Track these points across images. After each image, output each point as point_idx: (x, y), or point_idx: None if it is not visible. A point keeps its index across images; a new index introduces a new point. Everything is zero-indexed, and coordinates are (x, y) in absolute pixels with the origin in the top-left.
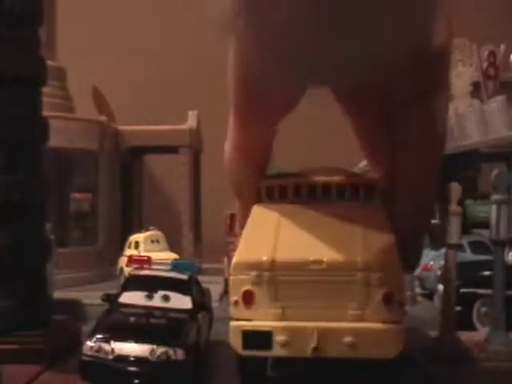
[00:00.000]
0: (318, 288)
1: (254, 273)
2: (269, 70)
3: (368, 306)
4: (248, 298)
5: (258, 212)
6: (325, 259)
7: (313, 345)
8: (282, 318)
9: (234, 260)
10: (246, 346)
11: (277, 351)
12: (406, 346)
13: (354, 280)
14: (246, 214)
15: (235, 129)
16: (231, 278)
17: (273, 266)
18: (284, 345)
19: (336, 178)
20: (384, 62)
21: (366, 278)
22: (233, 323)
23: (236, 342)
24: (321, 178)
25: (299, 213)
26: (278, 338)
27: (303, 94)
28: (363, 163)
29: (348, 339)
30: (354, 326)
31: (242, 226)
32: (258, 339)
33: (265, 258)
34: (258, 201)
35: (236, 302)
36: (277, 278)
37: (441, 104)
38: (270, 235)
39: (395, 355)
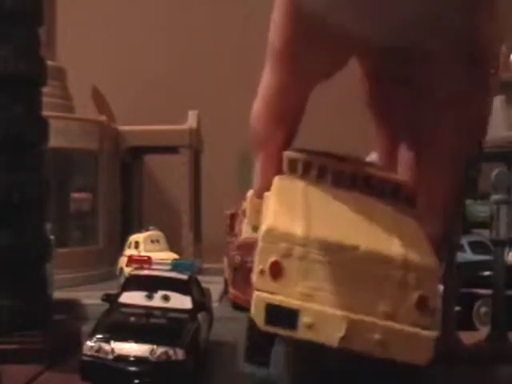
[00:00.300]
0: (351, 276)
1: (285, 244)
2: (333, 8)
3: (401, 306)
4: (276, 270)
5: (283, 183)
6: (362, 246)
7: (340, 334)
8: (311, 298)
9: (265, 226)
10: (268, 321)
11: (302, 333)
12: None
13: (390, 276)
14: (267, 168)
15: (269, 78)
16: (259, 244)
17: (306, 241)
18: (310, 327)
19: (364, 168)
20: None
21: (403, 277)
22: (257, 294)
23: (258, 315)
24: (348, 165)
25: (328, 194)
26: (306, 319)
27: (348, 58)
28: (370, 157)
29: (377, 336)
30: (385, 324)
31: (263, 183)
32: (283, 316)
33: (299, 231)
34: (280, 172)
35: (262, 272)
36: (309, 255)
37: (481, 109)
38: (300, 209)
39: (424, 362)
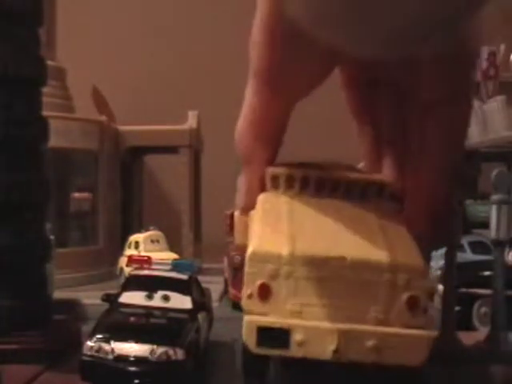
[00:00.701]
0: (340, 287)
1: (271, 266)
2: (310, 21)
3: (392, 309)
4: (264, 292)
5: (267, 201)
6: (348, 256)
7: (333, 347)
8: (301, 315)
9: (250, 250)
10: (260, 343)
11: (294, 351)
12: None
13: (378, 281)
14: (253, 185)
15: (252, 97)
16: (246, 269)
17: (292, 259)
18: (302, 344)
19: (345, 174)
20: (418, 36)
21: (391, 280)
22: (247, 317)
23: (250, 338)
24: (329, 173)
25: (311, 206)
26: (297, 336)
27: (331, 70)
28: (362, 164)
29: (370, 342)
30: (377, 329)
31: (249, 201)
32: (275, 336)
33: (284, 251)
34: (263, 189)
35: (250, 296)
36: (296, 272)
37: (463, 113)
38: (285, 226)
39: (420, 363)
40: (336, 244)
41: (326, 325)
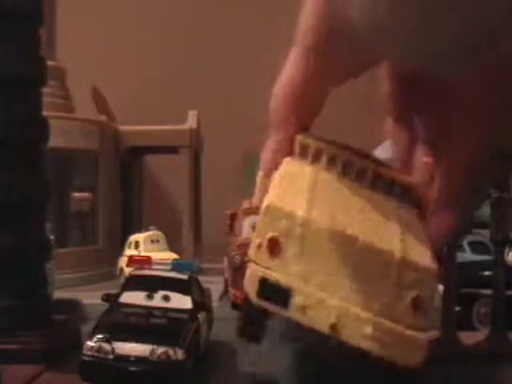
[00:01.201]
0: (348, 266)
1: (284, 222)
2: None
3: (396, 305)
4: (273, 247)
5: (291, 165)
6: (361, 238)
7: (331, 320)
8: (305, 281)
9: (267, 202)
10: (261, 295)
11: (292, 313)
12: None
13: (387, 273)
14: (279, 149)
15: (296, 70)
16: (259, 219)
17: (308, 223)
18: (302, 309)
19: (375, 165)
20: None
21: (400, 275)
22: (252, 266)
23: (251, 287)
24: (359, 159)
25: (334, 183)
26: (298, 299)
27: (380, 61)
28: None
29: (369, 330)
30: (378, 320)
31: (273, 162)
32: (276, 293)
33: (300, 212)
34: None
35: (259, 246)
36: (309, 237)
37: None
38: (305, 193)
39: (415, 365)
40: (352, 224)
41: (329, 298)
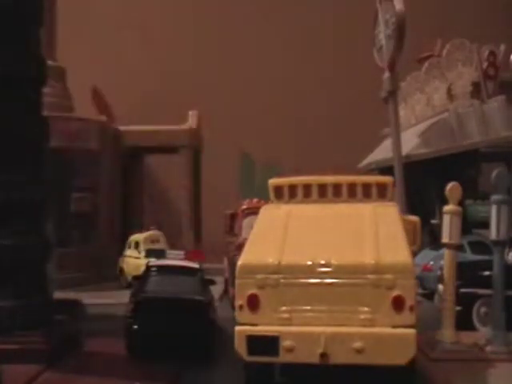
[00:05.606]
0: (326, 291)
1: (259, 276)
2: None
3: (378, 310)
4: (253, 302)
5: (267, 213)
6: (333, 262)
7: (320, 350)
8: (289, 322)
9: (239, 263)
10: (251, 352)
11: (283, 357)
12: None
13: (363, 283)
14: None
15: None
16: (236, 281)
17: (279, 268)
18: (291, 350)
19: (347, 177)
20: None
21: (376, 281)
22: (238, 328)
23: (241, 347)
24: (331, 177)
25: (309, 213)
26: (285, 343)
27: None
28: (364, 162)
29: (357, 344)
30: (363, 330)
31: None
32: (264, 344)
33: (270, 261)
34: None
35: (241, 307)
36: (283, 281)
37: None
38: (277, 237)
39: (407, 361)
40: (323, 250)
41: (313, 329)
